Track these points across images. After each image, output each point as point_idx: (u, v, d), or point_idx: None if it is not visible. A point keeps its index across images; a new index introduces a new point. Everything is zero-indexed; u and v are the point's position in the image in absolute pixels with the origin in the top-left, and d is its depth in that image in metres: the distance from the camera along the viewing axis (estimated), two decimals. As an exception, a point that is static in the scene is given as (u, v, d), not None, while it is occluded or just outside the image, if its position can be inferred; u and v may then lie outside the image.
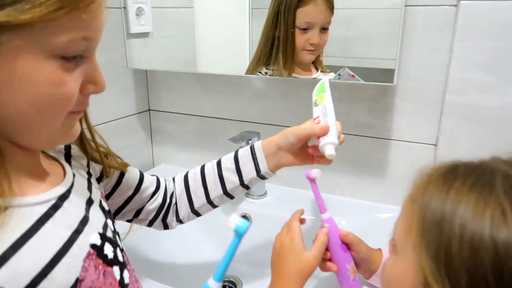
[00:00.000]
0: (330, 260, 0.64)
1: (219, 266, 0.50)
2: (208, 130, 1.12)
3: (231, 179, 0.69)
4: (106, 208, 0.53)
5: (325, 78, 0.69)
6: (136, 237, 0.88)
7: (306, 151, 0.65)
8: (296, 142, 0.64)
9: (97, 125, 1.03)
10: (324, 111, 0.63)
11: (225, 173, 0.70)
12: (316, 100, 0.67)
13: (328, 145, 0.60)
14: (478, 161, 0.43)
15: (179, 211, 0.73)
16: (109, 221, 0.50)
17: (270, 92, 1.00)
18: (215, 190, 0.70)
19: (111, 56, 1.04)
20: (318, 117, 0.64)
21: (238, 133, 0.99)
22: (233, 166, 0.70)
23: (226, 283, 0.92)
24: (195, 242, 0.99)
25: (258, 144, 0.69)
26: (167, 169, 1.21)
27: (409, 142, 0.89)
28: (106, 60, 1.02)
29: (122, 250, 0.51)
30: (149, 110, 1.19)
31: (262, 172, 0.68)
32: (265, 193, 1.02)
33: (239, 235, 0.52)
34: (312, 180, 0.65)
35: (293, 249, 0.61)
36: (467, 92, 0.63)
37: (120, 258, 0.49)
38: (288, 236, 0.63)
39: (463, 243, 0.37)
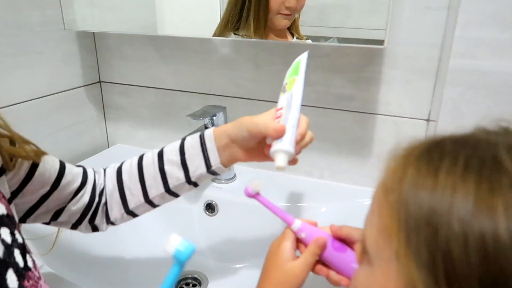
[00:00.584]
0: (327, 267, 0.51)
1: None
2: (169, 104, 0.98)
3: (175, 174, 0.57)
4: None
5: (302, 56, 0.56)
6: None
7: (264, 148, 0.53)
8: (249, 138, 0.52)
9: (31, 100, 0.91)
10: (289, 101, 0.51)
11: (167, 167, 0.57)
12: (285, 84, 0.54)
13: (279, 154, 0.48)
14: (463, 133, 0.33)
15: (109, 212, 0.60)
16: (3, 230, 0.37)
17: (239, 60, 0.86)
18: (155, 187, 0.58)
19: (48, 15, 0.87)
20: (281, 108, 0.52)
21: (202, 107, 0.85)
22: (178, 158, 0.56)
23: (190, 280, 0.81)
24: (154, 235, 0.86)
25: (209, 133, 0.56)
26: (124, 149, 1.07)
27: (398, 117, 0.78)
28: (41, 20, 0.86)
29: (24, 269, 0.37)
30: (100, 81, 1.03)
31: (213, 168, 0.56)
32: (234, 176, 0.90)
33: (180, 262, 0.40)
34: (255, 196, 0.52)
35: (278, 255, 0.49)
36: (476, 55, 0.52)
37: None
38: (278, 241, 0.51)
39: (469, 245, 0.27)
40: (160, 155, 0.58)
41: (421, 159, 0.32)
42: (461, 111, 0.50)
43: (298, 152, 0.51)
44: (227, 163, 0.56)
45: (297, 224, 0.50)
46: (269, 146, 0.50)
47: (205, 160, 0.55)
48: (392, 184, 0.32)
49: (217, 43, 0.87)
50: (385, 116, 0.79)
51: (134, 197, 0.58)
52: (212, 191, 0.86)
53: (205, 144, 0.55)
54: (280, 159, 0.48)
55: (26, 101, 0.85)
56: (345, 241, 0.50)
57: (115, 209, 0.59)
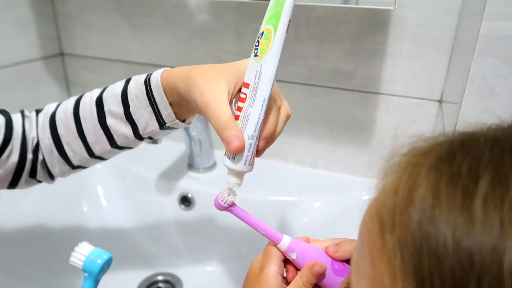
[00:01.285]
0: None
1: None
2: (140, 81, 0.85)
3: (121, 131, 0.46)
4: None
5: None
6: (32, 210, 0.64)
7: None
8: (196, 107, 0.39)
9: None
10: (256, 84, 0.36)
11: (110, 122, 0.46)
12: (259, 41, 0.36)
13: (231, 175, 0.39)
14: (499, 125, 0.23)
15: (51, 169, 0.51)
16: None
17: (219, 29, 0.73)
18: (99, 144, 0.47)
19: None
20: (245, 95, 0.37)
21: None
22: (121, 110, 0.45)
23: (161, 284, 0.70)
24: (124, 232, 0.75)
25: (156, 83, 0.42)
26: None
27: (404, 97, 0.66)
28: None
29: None
30: (61, 54, 0.90)
31: (168, 124, 0.44)
32: (214, 164, 0.78)
33: (92, 276, 0.32)
34: (229, 209, 0.40)
35: (260, 282, 0.37)
36: None
37: None
38: (260, 262, 0.39)
39: None
40: (100, 103, 0.46)
41: (440, 171, 0.21)
42: (493, 91, 0.39)
43: (262, 149, 0.39)
44: (186, 117, 0.45)
45: (285, 241, 0.39)
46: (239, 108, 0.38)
47: (156, 116, 0.44)
48: (392, 213, 0.21)
49: (193, 7, 0.74)
50: (389, 96, 0.67)
51: (77, 154, 0.49)
52: (188, 182, 0.75)
53: (153, 97, 0.43)
54: (233, 181, 0.38)
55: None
56: (347, 260, 0.39)
57: (58, 166, 0.50)
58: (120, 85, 0.46)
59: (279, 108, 0.40)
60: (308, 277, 0.37)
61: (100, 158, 0.50)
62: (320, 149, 0.75)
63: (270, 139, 0.39)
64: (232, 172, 0.38)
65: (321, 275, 0.37)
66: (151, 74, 0.44)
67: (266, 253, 0.39)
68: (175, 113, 0.43)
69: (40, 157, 0.50)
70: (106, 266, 0.33)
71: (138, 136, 0.46)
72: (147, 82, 0.43)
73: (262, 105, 0.36)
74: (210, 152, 0.76)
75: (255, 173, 0.76)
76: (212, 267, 0.72)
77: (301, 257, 0.38)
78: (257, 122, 0.36)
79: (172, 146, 0.79)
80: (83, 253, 0.33)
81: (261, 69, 0.36)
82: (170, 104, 0.43)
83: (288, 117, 0.41)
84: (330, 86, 0.70)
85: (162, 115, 0.44)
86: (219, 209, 0.39)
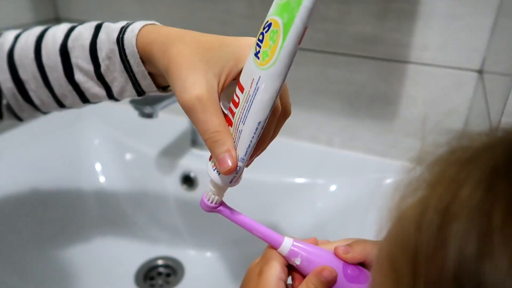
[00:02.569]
0: None
1: None
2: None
3: (92, 90, 0.38)
4: None
5: None
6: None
7: None
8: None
9: None
10: (251, 96, 0.28)
11: (79, 78, 0.38)
12: (263, 34, 0.27)
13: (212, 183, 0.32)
14: None
15: (19, 114, 0.43)
16: None
17: (225, -12, 0.65)
18: (70, 98, 0.40)
19: None
20: (238, 99, 0.29)
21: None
22: (90, 68, 0.37)
23: (162, 269, 0.65)
24: (123, 213, 0.70)
25: (131, 45, 0.34)
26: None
27: (436, 66, 0.57)
28: None
29: None
30: (56, 18, 0.83)
31: (148, 93, 0.38)
32: (219, 140, 0.71)
33: None
34: (217, 209, 0.33)
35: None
36: None
37: None
38: (258, 266, 0.33)
39: None
40: (65, 53, 0.37)
41: (494, 191, 0.13)
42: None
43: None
44: (165, 85, 0.37)
45: (287, 245, 0.32)
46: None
47: (133, 83, 0.36)
48: (412, 261, 0.14)
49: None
50: (419, 65, 0.58)
51: (45, 104, 0.41)
52: (191, 160, 0.68)
53: (128, 63, 0.35)
54: (213, 192, 0.32)
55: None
56: (362, 263, 0.32)
57: (27, 112, 0.42)
58: (88, 33, 0.37)
59: (282, 113, 0.32)
60: (315, 284, 0.30)
61: (71, 107, 0.43)
62: (337, 125, 0.67)
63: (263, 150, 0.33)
64: (214, 184, 0.32)
65: (331, 282, 0.30)
66: (125, 30, 0.35)
67: (265, 256, 0.33)
68: (155, 82, 0.36)
69: (4, 101, 0.42)
70: None
71: (114, 99, 0.39)
72: (119, 42, 0.35)
73: (257, 128, 0.29)
74: (215, 127, 0.69)
75: (266, 152, 0.68)
76: (216, 253, 0.66)
77: (306, 262, 0.31)
78: (249, 146, 0.29)
79: (173, 120, 0.72)
80: None
81: (259, 81, 0.27)
82: (150, 74, 0.35)
83: (287, 117, 0.34)
84: (351, 53, 0.61)
85: (141, 85, 0.36)
86: (206, 210, 0.33)
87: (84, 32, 0.37)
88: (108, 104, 0.44)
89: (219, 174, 0.31)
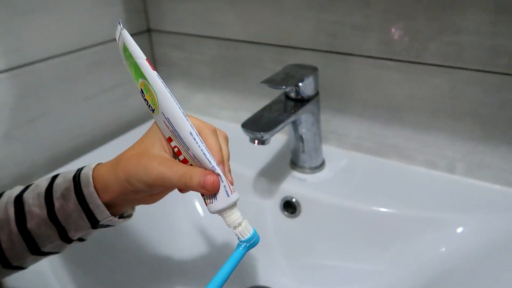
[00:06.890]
0: None
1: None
2: (235, 60, 0.74)
3: (44, 234, 0.39)
4: None
5: (119, 33, 0.38)
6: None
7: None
8: (148, 190, 0.37)
9: (59, 55, 0.65)
10: (175, 133, 0.36)
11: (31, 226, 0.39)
12: (145, 98, 0.37)
13: (229, 212, 0.36)
14: None
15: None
16: None
17: (335, -3, 0.59)
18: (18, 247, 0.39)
19: None
20: (176, 147, 0.37)
21: (280, 67, 0.60)
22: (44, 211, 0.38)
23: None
24: (215, 238, 0.66)
25: (87, 178, 0.38)
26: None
27: None
28: None
29: None
30: (148, 30, 0.81)
31: (101, 222, 0.39)
32: (323, 163, 0.65)
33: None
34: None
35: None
36: None
37: None
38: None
39: None
40: (19, 202, 0.39)
41: None
42: None
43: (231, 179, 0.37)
44: (124, 211, 0.40)
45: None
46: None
47: (87, 215, 0.38)
48: None
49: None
50: None
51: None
52: (293, 184, 0.63)
53: (83, 195, 0.37)
54: (233, 218, 0.36)
55: (52, 57, 0.66)
56: None
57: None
58: (44, 183, 0.39)
59: (212, 132, 0.37)
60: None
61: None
62: (462, 150, 0.58)
63: (224, 163, 0.37)
64: (225, 212, 0.35)
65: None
66: (82, 168, 0.39)
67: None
68: (109, 211, 0.38)
69: None
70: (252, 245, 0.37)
71: (66, 239, 0.39)
72: (76, 178, 0.38)
73: (194, 138, 0.35)
74: (319, 148, 0.63)
75: (373, 176, 0.61)
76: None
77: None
78: (204, 154, 0.35)
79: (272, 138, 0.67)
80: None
81: (165, 116, 0.35)
82: (104, 204, 0.37)
83: (226, 138, 0.39)
84: (487, 70, 0.53)
85: (95, 214, 0.37)
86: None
87: (41, 182, 0.40)
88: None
89: (216, 198, 0.35)
